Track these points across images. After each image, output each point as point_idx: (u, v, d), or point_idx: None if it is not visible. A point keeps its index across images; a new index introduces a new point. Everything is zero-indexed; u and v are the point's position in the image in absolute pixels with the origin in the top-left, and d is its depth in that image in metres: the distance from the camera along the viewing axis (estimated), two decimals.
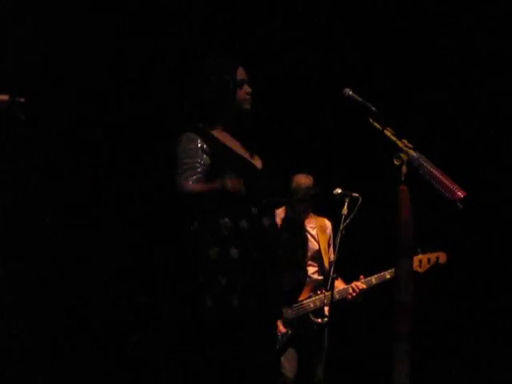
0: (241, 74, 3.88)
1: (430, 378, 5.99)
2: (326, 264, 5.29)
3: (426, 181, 3.38)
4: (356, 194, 5.02)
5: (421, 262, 5.12)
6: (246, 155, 3.88)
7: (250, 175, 3.79)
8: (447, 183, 3.36)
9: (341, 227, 4.95)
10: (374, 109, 3.57)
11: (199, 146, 3.78)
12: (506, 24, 6.19)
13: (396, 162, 3.43)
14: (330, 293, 4.97)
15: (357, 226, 4.98)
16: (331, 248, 5.34)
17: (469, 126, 6.24)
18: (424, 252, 5.13)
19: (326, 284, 5.03)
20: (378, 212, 5.39)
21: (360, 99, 3.66)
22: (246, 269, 3.71)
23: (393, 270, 4.96)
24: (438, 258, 5.12)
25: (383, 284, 5.13)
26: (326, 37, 6.29)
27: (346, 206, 5.00)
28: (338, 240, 4.95)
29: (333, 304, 5.03)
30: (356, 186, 5.11)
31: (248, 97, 3.89)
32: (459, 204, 3.31)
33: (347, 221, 4.95)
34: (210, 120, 3.87)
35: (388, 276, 5.09)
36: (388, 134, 3.46)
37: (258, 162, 3.91)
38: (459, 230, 5.96)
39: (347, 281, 5.21)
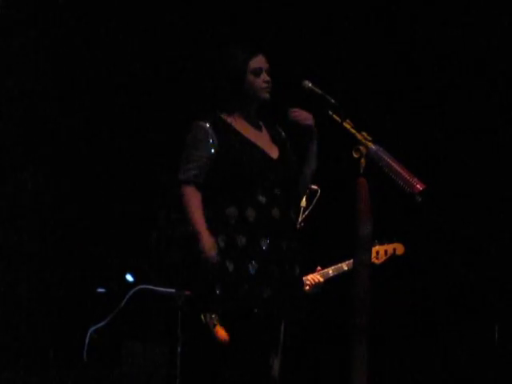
0: (259, 62, 3.90)
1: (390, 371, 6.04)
2: None
3: (385, 173, 3.39)
4: (315, 187, 5.01)
5: (378, 253, 5.13)
6: (264, 144, 3.91)
7: (260, 164, 3.84)
8: (406, 176, 3.37)
9: (299, 219, 4.95)
10: (333, 101, 3.59)
11: (208, 135, 3.83)
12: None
13: (355, 155, 3.44)
14: None
15: (316, 218, 4.98)
16: None
17: (428, 120, 6.28)
18: (381, 243, 5.14)
19: None
20: (337, 204, 5.39)
21: (319, 91, 3.67)
22: (254, 257, 3.77)
23: (350, 261, 5.00)
24: (395, 250, 5.14)
25: (341, 276, 5.13)
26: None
27: (304, 199, 5.00)
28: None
29: None
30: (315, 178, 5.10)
31: (265, 85, 3.89)
32: (418, 197, 3.32)
33: (306, 213, 4.95)
34: (228, 107, 3.91)
35: (345, 267, 5.10)
36: (347, 126, 3.48)
37: (274, 152, 3.93)
38: (417, 222, 6.00)
39: (305, 273, 5.20)
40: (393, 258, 5.13)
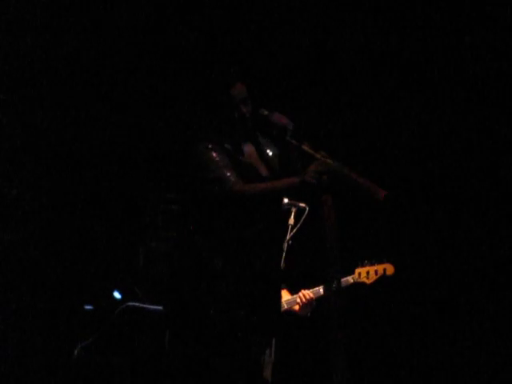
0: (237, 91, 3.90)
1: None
2: None
3: (349, 187, 3.46)
4: (303, 205, 4.97)
5: (368, 273, 5.11)
6: (256, 161, 3.93)
7: (251, 180, 3.85)
8: (369, 185, 3.44)
9: (287, 237, 4.90)
10: (290, 127, 3.63)
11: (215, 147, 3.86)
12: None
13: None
14: None
15: (304, 236, 4.94)
16: None
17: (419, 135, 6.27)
18: (371, 264, 5.12)
19: None
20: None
21: (275, 120, 3.69)
22: (248, 280, 3.79)
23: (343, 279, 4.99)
24: (385, 270, 5.12)
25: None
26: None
27: (292, 217, 4.95)
28: (285, 250, 4.89)
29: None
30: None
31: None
32: (380, 205, 3.40)
33: (294, 231, 4.90)
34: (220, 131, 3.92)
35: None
36: (305, 148, 3.56)
37: (263, 169, 3.93)
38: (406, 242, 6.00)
39: (294, 291, 5.16)
40: (383, 279, 5.11)
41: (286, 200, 5.08)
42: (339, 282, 3.48)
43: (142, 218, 6.04)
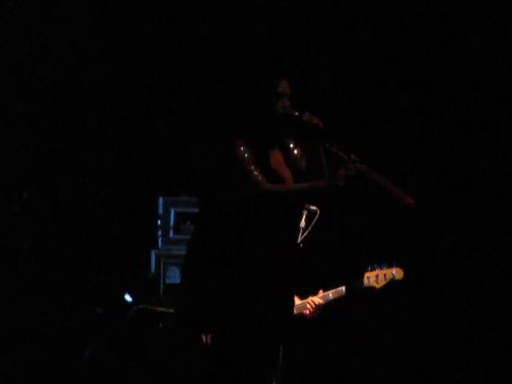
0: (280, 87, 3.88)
1: None
2: None
3: (377, 192, 3.46)
4: (314, 207, 4.96)
5: (377, 277, 5.08)
6: (281, 165, 3.94)
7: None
8: (396, 191, 3.43)
9: (298, 240, 4.90)
10: (321, 128, 3.63)
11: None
12: None
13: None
14: None
15: (315, 240, 4.94)
16: None
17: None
18: (381, 268, 5.10)
19: None
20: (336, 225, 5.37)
21: (306, 120, 3.70)
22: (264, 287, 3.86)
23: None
24: (394, 274, 5.09)
25: (341, 299, 5.08)
26: None
27: (303, 219, 4.94)
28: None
29: None
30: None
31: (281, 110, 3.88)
32: (411, 211, 3.40)
33: (305, 234, 4.90)
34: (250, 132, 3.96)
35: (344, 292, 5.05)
36: (336, 150, 3.54)
37: (287, 173, 3.95)
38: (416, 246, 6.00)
39: (305, 295, 5.15)
40: (392, 283, 5.09)
41: None
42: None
43: (153, 220, 6.06)
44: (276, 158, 3.97)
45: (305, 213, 5.00)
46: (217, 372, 3.78)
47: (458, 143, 6.36)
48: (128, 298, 6.07)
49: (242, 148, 3.84)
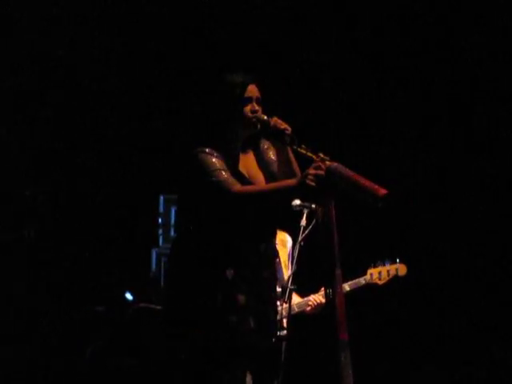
0: (249, 91, 3.86)
1: None
2: (286, 278, 5.21)
3: (346, 187, 3.46)
4: (315, 206, 4.95)
5: (380, 274, 5.08)
6: (253, 169, 3.91)
7: None
8: (368, 184, 3.43)
9: (299, 239, 4.89)
10: (288, 132, 3.65)
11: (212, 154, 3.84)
12: None
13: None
14: (288, 305, 4.89)
15: (315, 238, 4.93)
16: (290, 262, 5.27)
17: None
18: (383, 264, 5.10)
19: (283, 296, 4.95)
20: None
21: (274, 124, 3.72)
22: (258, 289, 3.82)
23: (352, 281, 4.98)
24: (397, 270, 5.10)
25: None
26: None
27: (304, 218, 4.94)
28: (297, 252, 4.88)
29: (291, 317, 4.96)
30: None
31: (250, 115, 3.86)
32: (380, 203, 3.38)
33: (306, 232, 4.89)
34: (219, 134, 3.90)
35: (347, 288, 5.04)
36: (303, 151, 3.57)
37: (260, 176, 3.92)
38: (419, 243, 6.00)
39: (306, 293, 5.15)
40: (395, 279, 5.10)
41: (298, 201, 5.08)
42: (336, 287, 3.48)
43: (154, 219, 6.07)
44: (248, 161, 3.96)
45: (306, 211, 5.02)
46: (207, 371, 3.77)
47: (458, 143, 6.37)
48: (129, 296, 6.06)
49: (210, 153, 3.83)
